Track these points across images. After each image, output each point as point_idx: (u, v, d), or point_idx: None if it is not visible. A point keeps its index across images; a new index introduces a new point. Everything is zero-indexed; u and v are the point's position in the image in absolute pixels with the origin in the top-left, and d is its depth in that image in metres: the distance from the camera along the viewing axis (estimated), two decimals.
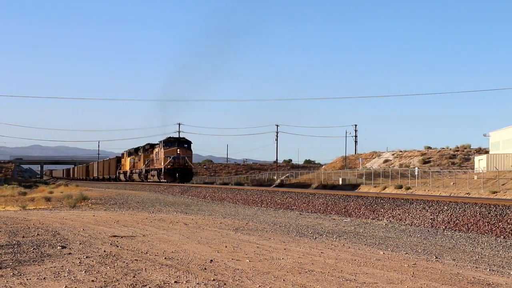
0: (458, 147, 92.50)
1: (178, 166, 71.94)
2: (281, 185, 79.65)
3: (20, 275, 11.07)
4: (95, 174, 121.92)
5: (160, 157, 73.96)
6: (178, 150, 72.32)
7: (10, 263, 12.35)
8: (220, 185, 76.50)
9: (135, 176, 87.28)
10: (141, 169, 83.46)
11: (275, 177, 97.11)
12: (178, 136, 77.99)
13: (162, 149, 72.96)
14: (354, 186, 65.33)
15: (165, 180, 71.81)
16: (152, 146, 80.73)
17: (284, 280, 10.90)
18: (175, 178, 71.31)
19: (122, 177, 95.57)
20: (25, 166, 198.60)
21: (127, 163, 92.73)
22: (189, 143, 75.52)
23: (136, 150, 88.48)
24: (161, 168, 72.93)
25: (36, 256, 13.46)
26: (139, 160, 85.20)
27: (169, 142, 73.67)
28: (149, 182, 76.95)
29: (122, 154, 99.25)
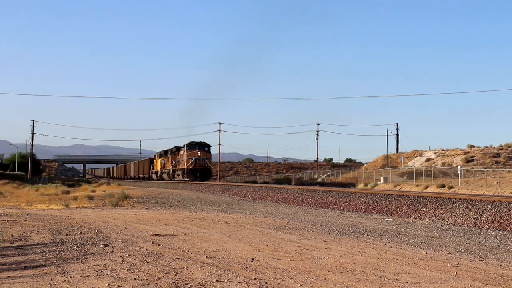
0: (502, 146, 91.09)
1: (198, 166, 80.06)
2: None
3: (64, 272, 11.21)
4: (132, 174, 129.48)
5: (184, 159, 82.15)
6: (199, 152, 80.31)
7: (54, 261, 12.52)
8: (261, 183, 77.02)
9: (165, 176, 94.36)
10: (169, 169, 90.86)
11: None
12: (199, 141, 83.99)
13: (186, 152, 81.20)
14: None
15: (188, 179, 79.23)
16: (178, 149, 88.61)
17: (325, 279, 10.86)
18: (196, 177, 79.04)
19: (154, 176, 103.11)
20: (68, 165, 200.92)
21: (158, 163, 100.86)
22: (208, 146, 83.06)
23: (166, 152, 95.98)
24: (185, 169, 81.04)
25: (80, 254, 13.62)
26: (168, 161, 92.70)
27: (191, 146, 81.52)
28: (176, 180, 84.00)
29: (154, 156, 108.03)
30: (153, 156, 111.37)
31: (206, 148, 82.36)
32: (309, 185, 70.19)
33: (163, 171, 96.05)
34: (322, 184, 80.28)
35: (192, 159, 80.00)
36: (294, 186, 55.83)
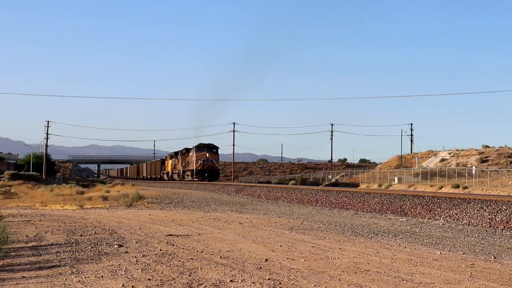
0: None
1: (207, 167, 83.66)
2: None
3: (79, 273, 11.25)
4: (144, 174, 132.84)
5: (193, 160, 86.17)
6: (207, 154, 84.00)
7: (69, 261, 12.57)
8: (274, 184, 77.13)
9: (175, 176, 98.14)
10: (180, 170, 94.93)
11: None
12: (207, 143, 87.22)
13: (194, 153, 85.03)
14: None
15: (197, 179, 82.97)
16: (187, 150, 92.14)
17: (339, 279, 10.85)
18: (204, 178, 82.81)
19: (165, 176, 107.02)
20: (82, 166, 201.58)
21: (169, 164, 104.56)
22: (216, 148, 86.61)
23: (176, 153, 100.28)
24: (194, 169, 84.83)
25: (94, 254, 13.67)
26: (178, 162, 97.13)
27: (200, 148, 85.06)
28: (185, 180, 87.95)
29: (166, 157, 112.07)
30: (164, 158, 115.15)
31: (214, 150, 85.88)
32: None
33: (174, 171, 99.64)
34: (335, 184, 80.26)
35: (200, 160, 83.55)
36: (308, 187, 55.74)
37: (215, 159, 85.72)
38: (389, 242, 17.50)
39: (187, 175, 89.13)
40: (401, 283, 10.60)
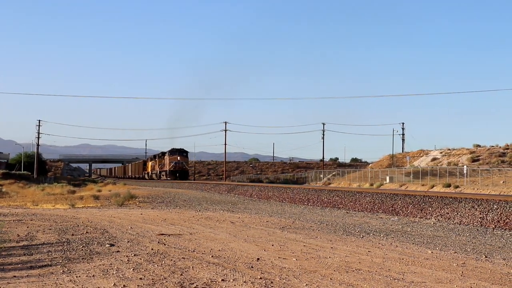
0: (508, 145, 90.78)
1: (178, 168, 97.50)
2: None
3: (70, 272, 11.23)
4: (130, 174, 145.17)
5: (167, 162, 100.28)
6: (178, 157, 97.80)
7: (60, 261, 12.54)
8: (266, 183, 77.20)
9: (154, 176, 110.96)
10: (157, 170, 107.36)
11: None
12: (179, 147, 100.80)
13: (168, 157, 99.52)
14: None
15: (170, 178, 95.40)
16: (163, 154, 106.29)
17: (331, 279, 10.86)
18: (176, 177, 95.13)
19: (146, 176, 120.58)
20: (74, 165, 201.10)
21: (149, 166, 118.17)
22: (186, 152, 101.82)
23: (154, 156, 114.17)
24: (167, 170, 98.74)
25: (85, 253, 13.64)
26: (156, 164, 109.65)
27: (172, 152, 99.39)
28: (161, 180, 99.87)
29: (147, 159, 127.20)
30: (146, 159, 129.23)
31: (185, 154, 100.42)
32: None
33: (153, 172, 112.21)
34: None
35: (173, 162, 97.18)
36: (299, 186, 55.79)
37: (185, 161, 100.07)
38: (380, 241, 17.53)
39: (163, 175, 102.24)
40: (393, 282, 10.62)
